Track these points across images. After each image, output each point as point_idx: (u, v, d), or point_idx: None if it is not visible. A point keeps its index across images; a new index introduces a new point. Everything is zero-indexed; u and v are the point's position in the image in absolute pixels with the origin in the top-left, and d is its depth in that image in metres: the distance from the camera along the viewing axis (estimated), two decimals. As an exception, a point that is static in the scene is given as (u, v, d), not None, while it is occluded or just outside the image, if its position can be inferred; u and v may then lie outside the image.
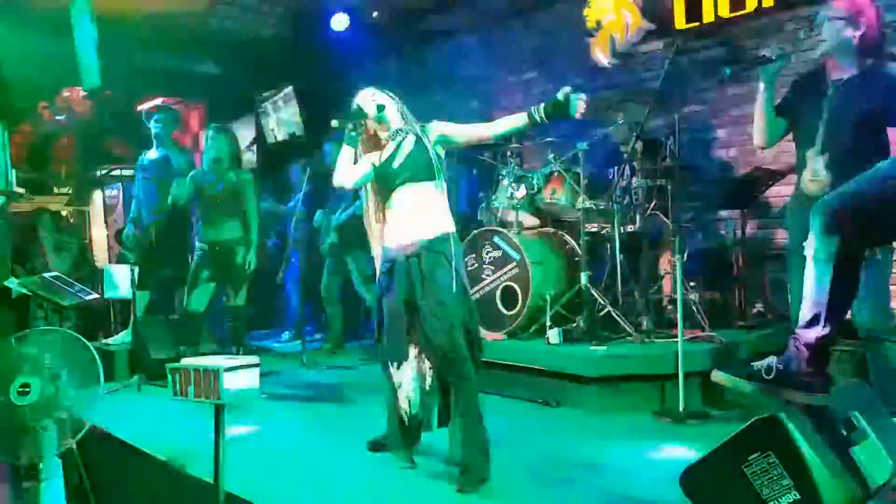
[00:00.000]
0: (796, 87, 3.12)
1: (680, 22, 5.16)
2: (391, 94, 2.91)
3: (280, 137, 7.84)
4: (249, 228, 4.70)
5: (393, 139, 2.86)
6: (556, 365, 3.83)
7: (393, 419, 2.91)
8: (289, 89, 7.61)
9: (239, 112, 8.11)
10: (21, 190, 3.74)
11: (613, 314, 4.04)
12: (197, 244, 4.76)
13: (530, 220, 4.74)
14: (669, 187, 4.29)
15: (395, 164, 2.79)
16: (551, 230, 4.69)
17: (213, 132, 4.79)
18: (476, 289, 4.32)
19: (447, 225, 2.79)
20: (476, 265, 4.41)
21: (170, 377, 2.42)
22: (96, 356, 2.82)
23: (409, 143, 2.82)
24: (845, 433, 2.07)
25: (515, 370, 4.00)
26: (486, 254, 4.38)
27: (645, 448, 3.08)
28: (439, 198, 2.79)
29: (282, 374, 4.91)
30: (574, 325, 4.05)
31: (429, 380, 2.80)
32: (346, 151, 2.81)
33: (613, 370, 3.66)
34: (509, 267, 4.26)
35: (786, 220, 3.24)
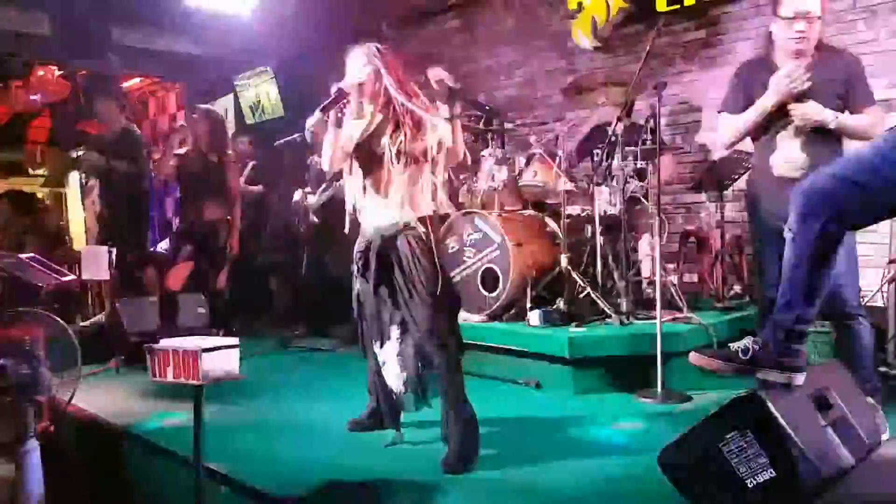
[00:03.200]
0: (752, 73, 3.10)
1: (661, 4, 5.17)
2: (380, 58, 2.74)
3: (259, 117, 7.77)
4: (231, 210, 4.68)
5: (376, 114, 2.76)
6: (537, 346, 3.85)
7: (380, 396, 2.92)
8: (268, 69, 7.53)
9: (218, 91, 8.02)
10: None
11: (593, 296, 4.06)
12: (177, 223, 4.76)
13: (511, 202, 4.74)
14: (650, 169, 4.31)
15: (378, 143, 2.72)
16: (532, 212, 4.70)
17: (196, 111, 4.76)
18: (457, 271, 4.32)
19: (426, 208, 2.76)
20: (457, 247, 4.40)
21: (148, 358, 2.40)
22: (74, 338, 2.80)
23: (391, 120, 2.72)
24: (820, 412, 2.12)
25: (496, 352, 4.02)
26: (468, 236, 4.38)
27: (625, 428, 3.12)
28: (422, 180, 2.74)
29: (260, 355, 4.89)
30: (554, 306, 4.06)
31: (412, 360, 2.80)
32: (333, 134, 2.69)
33: (593, 351, 3.69)
34: (490, 249, 4.26)
35: (748, 204, 3.25)
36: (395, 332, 2.79)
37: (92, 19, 6.36)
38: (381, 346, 2.82)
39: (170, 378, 2.31)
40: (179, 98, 8.26)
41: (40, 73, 7.36)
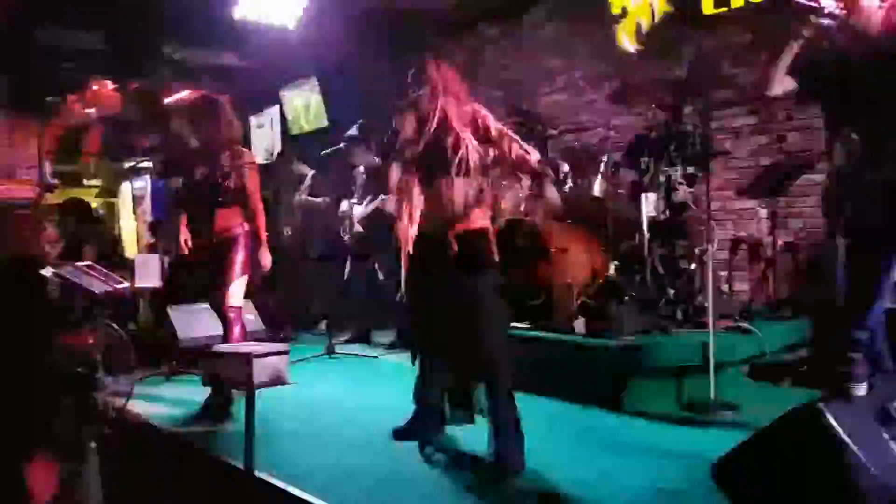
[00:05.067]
0: (822, 70, 2.97)
1: (708, 7, 5.09)
2: (438, 75, 2.77)
3: (304, 128, 7.88)
4: (255, 218, 3.82)
5: (432, 132, 2.76)
6: (583, 355, 3.80)
7: (422, 407, 2.93)
8: (312, 80, 7.64)
9: (264, 103, 8.18)
10: (55, 181, 3.77)
11: (642, 304, 4.00)
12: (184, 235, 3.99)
13: (557, 208, 4.70)
14: (698, 176, 4.23)
15: (432, 155, 2.72)
16: (578, 218, 4.65)
17: (186, 116, 4.06)
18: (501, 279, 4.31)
19: (484, 220, 2.75)
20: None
21: (201, 364, 2.45)
22: (129, 344, 2.87)
23: (447, 134, 2.72)
24: (883, 425, 2.04)
25: (542, 361, 3.98)
26: (512, 243, 4.36)
27: (675, 439, 3.05)
28: (478, 192, 2.73)
29: (308, 362, 4.94)
30: (601, 315, 4.01)
31: (462, 372, 2.79)
32: (396, 167, 2.77)
33: (643, 361, 3.63)
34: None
35: (823, 206, 3.11)
36: (445, 343, 2.78)
37: (143, 35, 6.56)
38: (430, 359, 2.81)
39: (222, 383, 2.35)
40: (227, 109, 8.46)
41: (94, 87, 7.60)
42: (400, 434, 3.11)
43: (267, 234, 3.93)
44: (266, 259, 3.87)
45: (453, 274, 2.69)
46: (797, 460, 1.94)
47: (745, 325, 3.84)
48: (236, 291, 3.75)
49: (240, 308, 3.77)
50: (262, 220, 3.84)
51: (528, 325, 4.24)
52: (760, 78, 2.93)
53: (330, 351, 5.16)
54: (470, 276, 2.67)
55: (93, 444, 2.70)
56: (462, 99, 2.79)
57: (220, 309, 3.72)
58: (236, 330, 3.66)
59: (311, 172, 6.47)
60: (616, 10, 5.67)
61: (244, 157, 3.85)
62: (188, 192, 3.97)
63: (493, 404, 2.71)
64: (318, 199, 6.32)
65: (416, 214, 2.79)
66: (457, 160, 2.67)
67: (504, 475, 2.60)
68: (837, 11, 2.67)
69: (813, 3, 2.69)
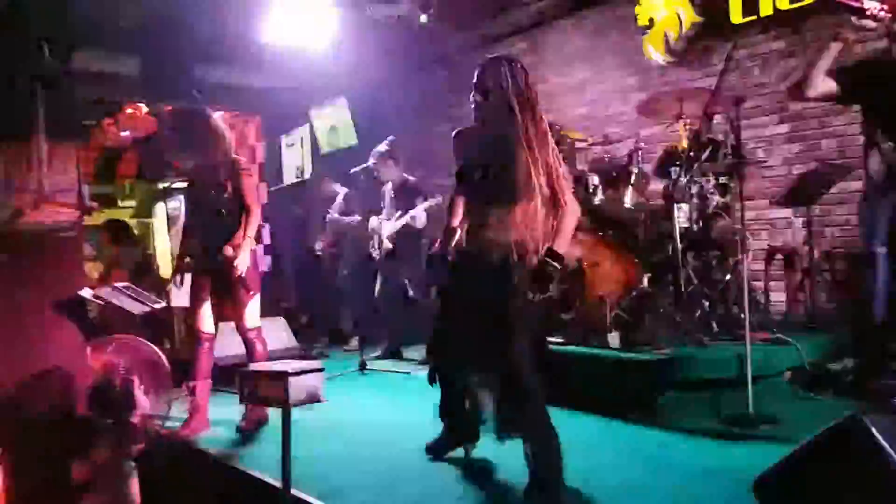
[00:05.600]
0: (865, 72, 2.92)
1: (736, 16, 5.05)
2: (510, 73, 2.68)
3: (334, 147, 7.96)
4: (247, 218, 3.67)
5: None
6: (618, 370, 3.76)
7: (447, 424, 2.91)
8: (341, 99, 7.72)
9: (293, 123, 8.29)
10: (94, 204, 3.85)
11: (676, 317, 3.95)
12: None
13: (586, 220, 4.67)
14: (731, 185, 4.19)
15: (476, 165, 2.67)
16: (609, 230, 4.62)
17: (175, 122, 4.10)
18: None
19: (518, 234, 2.63)
20: (533, 269, 4.36)
21: (237, 382, 2.47)
22: (166, 363, 2.91)
23: (490, 139, 2.66)
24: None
25: (575, 376, 3.94)
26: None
27: (713, 454, 3.00)
28: (517, 206, 2.60)
29: (340, 378, 4.96)
30: (636, 328, 3.97)
31: (491, 388, 2.77)
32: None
33: (678, 374, 3.58)
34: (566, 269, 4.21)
35: (859, 213, 3.06)
36: (474, 356, 2.76)
37: (177, 59, 6.71)
38: (459, 373, 2.79)
39: (259, 401, 2.37)
40: (258, 130, 8.58)
41: (129, 110, 7.77)
42: (432, 450, 3.09)
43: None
44: (242, 264, 3.57)
45: (490, 287, 2.63)
46: (841, 474, 1.89)
47: (782, 336, 3.77)
48: (252, 311, 3.69)
49: (259, 328, 3.73)
50: (253, 222, 3.67)
51: (562, 340, 4.21)
52: (801, 79, 2.91)
53: (362, 367, 5.17)
54: (506, 291, 2.62)
55: (132, 464, 2.74)
56: (536, 111, 2.68)
57: (240, 332, 3.66)
58: (258, 350, 3.65)
59: (343, 191, 6.54)
60: (644, 22, 5.66)
61: (238, 165, 3.77)
62: (191, 211, 3.89)
63: (527, 421, 2.66)
64: (348, 219, 6.39)
65: (463, 228, 2.73)
66: (516, 181, 2.57)
67: (538, 496, 2.55)
68: (882, 14, 2.63)
69: (855, 4, 2.66)
